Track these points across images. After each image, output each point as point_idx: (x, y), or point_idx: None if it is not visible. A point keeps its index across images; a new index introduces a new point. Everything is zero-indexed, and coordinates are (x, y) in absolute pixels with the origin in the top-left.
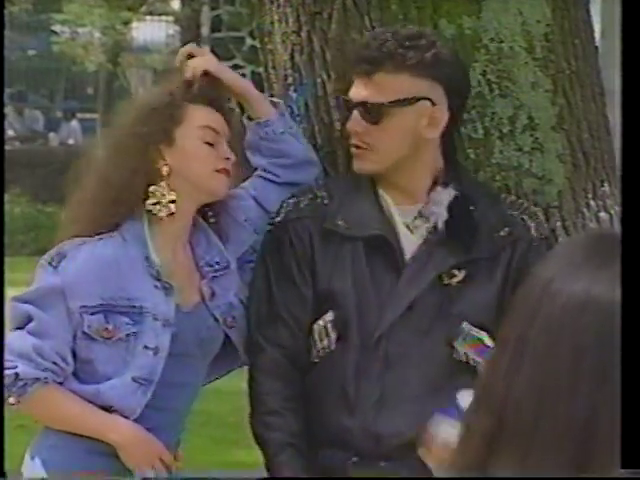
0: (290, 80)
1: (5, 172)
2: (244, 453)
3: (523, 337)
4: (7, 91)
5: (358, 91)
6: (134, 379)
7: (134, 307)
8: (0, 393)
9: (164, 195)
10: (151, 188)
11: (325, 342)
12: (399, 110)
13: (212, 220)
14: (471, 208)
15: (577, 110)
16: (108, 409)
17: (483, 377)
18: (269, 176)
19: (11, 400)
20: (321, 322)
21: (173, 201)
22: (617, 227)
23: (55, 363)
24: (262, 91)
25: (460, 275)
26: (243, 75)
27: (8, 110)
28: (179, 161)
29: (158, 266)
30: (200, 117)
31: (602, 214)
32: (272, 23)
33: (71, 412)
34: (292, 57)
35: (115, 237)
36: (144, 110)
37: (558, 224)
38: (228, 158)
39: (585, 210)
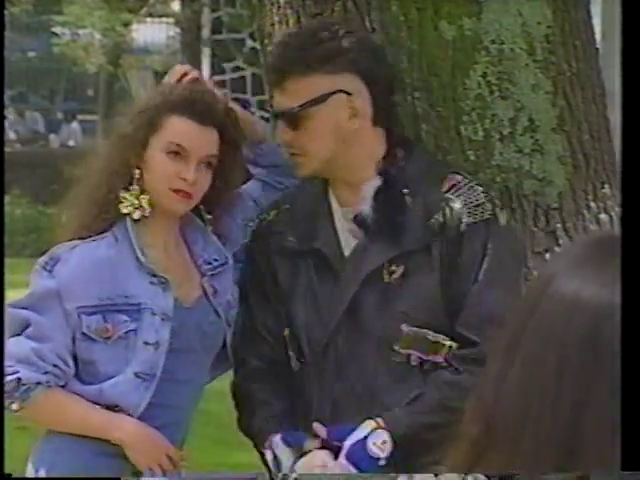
0: None
1: (5, 173)
2: (244, 455)
3: (516, 339)
4: (8, 93)
5: (276, 101)
6: (136, 375)
7: (132, 304)
8: (0, 393)
9: (136, 198)
10: (121, 194)
11: (291, 358)
12: (314, 110)
13: (210, 218)
14: (403, 195)
15: (578, 112)
16: (112, 408)
17: (478, 382)
18: (270, 182)
19: (14, 407)
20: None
21: (146, 201)
22: (618, 229)
23: (56, 366)
24: (263, 93)
25: (399, 271)
26: (243, 77)
27: (9, 112)
28: (146, 169)
29: (150, 263)
30: (173, 130)
31: (603, 215)
32: (273, 25)
33: (75, 413)
34: None
35: (108, 238)
36: (131, 113)
37: (558, 225)
38: (186, 179)
39: (585, 212)
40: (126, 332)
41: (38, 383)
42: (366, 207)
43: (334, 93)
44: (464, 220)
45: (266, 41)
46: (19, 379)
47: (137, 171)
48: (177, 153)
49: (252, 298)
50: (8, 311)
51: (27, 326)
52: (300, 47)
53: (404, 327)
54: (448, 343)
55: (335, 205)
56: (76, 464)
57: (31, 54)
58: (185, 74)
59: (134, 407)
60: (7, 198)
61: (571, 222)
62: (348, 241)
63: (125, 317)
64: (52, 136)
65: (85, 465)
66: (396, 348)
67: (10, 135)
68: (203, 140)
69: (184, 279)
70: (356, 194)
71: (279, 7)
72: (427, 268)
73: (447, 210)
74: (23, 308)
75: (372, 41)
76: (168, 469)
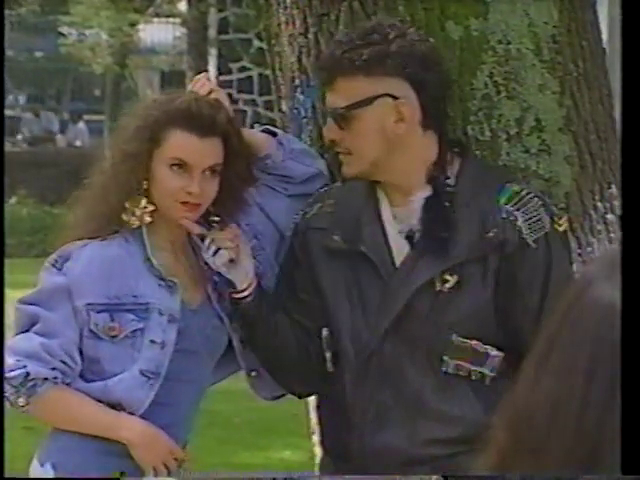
0: (297, 82)
1: (12, 173)
2: (249, 455)
3: (550, 344)
4: (15, 92)
5: (327, 99)
6: (142, 372)
7: (140, 304)
8: (0, 393)
9: (139, 209)
10: (127, 203)
11: (326, 359)
12: (361, 111)
13: (216, 223)
14: (457, 205)
15: (584, 112)
16: (116, 407)
17: (514, 388)
18: (275, 187)
19: (20, 401)
20: (321, 340)
21: (147, 212)
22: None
23: (64, 362)
24: (269, 93)
25: (452, 280)
26: (250, 77)
27: (16, 111)
28: (152, 182)
29: (159, 265)
30: (173, 146)
31: (609, 216)
32: (279, 25)
33: (81, 412)
34: (299, 59)
35: (118, 238)
36: (131, 128)
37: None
38: (191, 193)
39: (592, 212)
40: (133, 331)
41: (45, 379)
42: (416, 221)
43: (380, 96)
44: (525, 236)
45: (273, 41)
46: (27, 374)
47: (145, 182)
48: (180, 166)
49: (285, 292)
50: (16, 307)
51: (35, 322)
52: (349, 48)
53: (454, 337)
54: (496, 353)
55: (385, 206)
56: (82, 463)
57: (38, 54)
58: (210, 92)
59: (138, 404)
60: (14, 198)
61: (578, 222)
62: (399, 247)
63: (132, 316)
64: (59, 136)
65: (91, 464)
66: (445, 358)
67: (24, 135)
68: (205, 152)
69: (190, 283)
70: (406, 199)
71: (285, 7)
72: (481, 279)
73: (507, 225)
74: (31, 304)
75: (423, 46)
76: (173, 469)
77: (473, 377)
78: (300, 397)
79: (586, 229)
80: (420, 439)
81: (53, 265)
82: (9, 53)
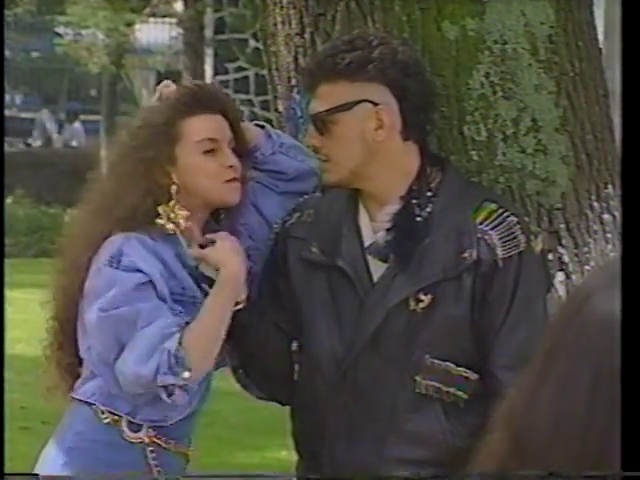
0: (294, 82)
1: (9, 173)
2: (246, 455)
3: (551, 355)
4: (11, 92)
5: (310, 104)
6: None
7: (188, 296)
8: (0, 392)
9: (174, 213)
10: (160, 209)
11: (295, 371)
12: (340, 117)
13: (221, 221)
14: (432, 221)
15: (581, 112)
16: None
17: (509, 395)
18: (268, 185)
19: (186, 375)
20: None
21: (182, 217)
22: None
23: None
24: (266, 93)
25: (426, 300)
26: (246, 77)
27: (14, 112)
28: (185, 178)
29: (195, 264)
30: (197, 130)
31: (606, 216)
32: (275, 25)
33: (212, 323)
34: (296, 59)
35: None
36: (143, 132)
37: (561, 226)
38: (232, 166)
39: (589, 212)
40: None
41: (180, 343)
42: (381, 236)
43: (360, 102)
44: (498, 254)
45: (269, 41)
46: (169, 352)
47: (174, 186)
48: (211, 148)
49: (268, 299)
50: (101, 317)
51: (133, 322)
52: (332, 53)
53: (427, 358)
54: (470, 376)
55: (364, 219)
56: (92, 461)
57: (34, 54)
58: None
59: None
60: (10, 198)
61: (574, 222)
62: (377, 263)
63: (180, 308)
64: (55, 136)
65: (99, 462)
66: (418, 379)
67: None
68: (222, 126)
69: None
70: (384, 213)
71: (282, 7)
72: (456, 299)
73: (482, 244)
74: (116, 308)
75: (407, 54)
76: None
77: (446, 399)
78: (283, 404)
79: (582, 229)
80: (388, 457)
81: (110, 265)
82: (5, 53)
